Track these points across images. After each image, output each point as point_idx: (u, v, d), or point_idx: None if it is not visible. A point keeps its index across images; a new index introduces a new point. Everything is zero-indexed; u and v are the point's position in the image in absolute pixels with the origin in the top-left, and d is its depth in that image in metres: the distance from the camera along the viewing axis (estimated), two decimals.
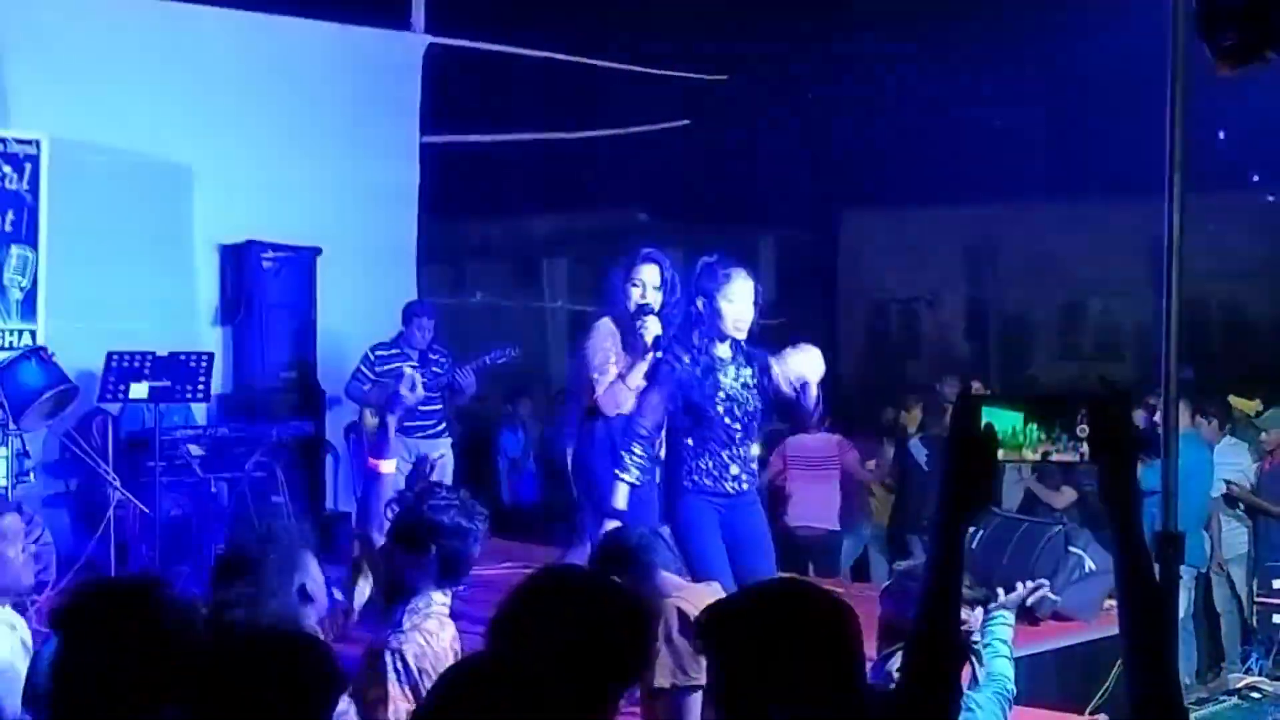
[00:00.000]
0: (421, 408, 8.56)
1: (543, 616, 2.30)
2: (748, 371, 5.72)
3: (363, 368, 8.81)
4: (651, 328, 6.07)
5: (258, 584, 3.61)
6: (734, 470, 5.67)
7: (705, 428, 5.63)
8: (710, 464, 5.64)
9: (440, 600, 4.04)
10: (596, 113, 13.63)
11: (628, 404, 6.02)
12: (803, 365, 5.68)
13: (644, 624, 2.38)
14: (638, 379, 6.01)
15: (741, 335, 5.68)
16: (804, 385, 5.66)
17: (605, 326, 6.29)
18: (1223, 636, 9.62)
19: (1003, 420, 2.25)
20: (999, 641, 4.36)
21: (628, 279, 6.23)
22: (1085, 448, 2.24)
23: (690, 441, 5.65)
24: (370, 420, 8.82)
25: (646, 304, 6.15)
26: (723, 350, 5.70)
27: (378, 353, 8.82)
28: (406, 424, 8.54)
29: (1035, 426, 2.25)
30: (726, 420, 5.65)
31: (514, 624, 2.30)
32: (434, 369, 8.71)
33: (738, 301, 5.64)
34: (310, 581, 3.71)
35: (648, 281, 6.20)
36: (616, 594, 2.39)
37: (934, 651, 2.26)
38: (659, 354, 5.91)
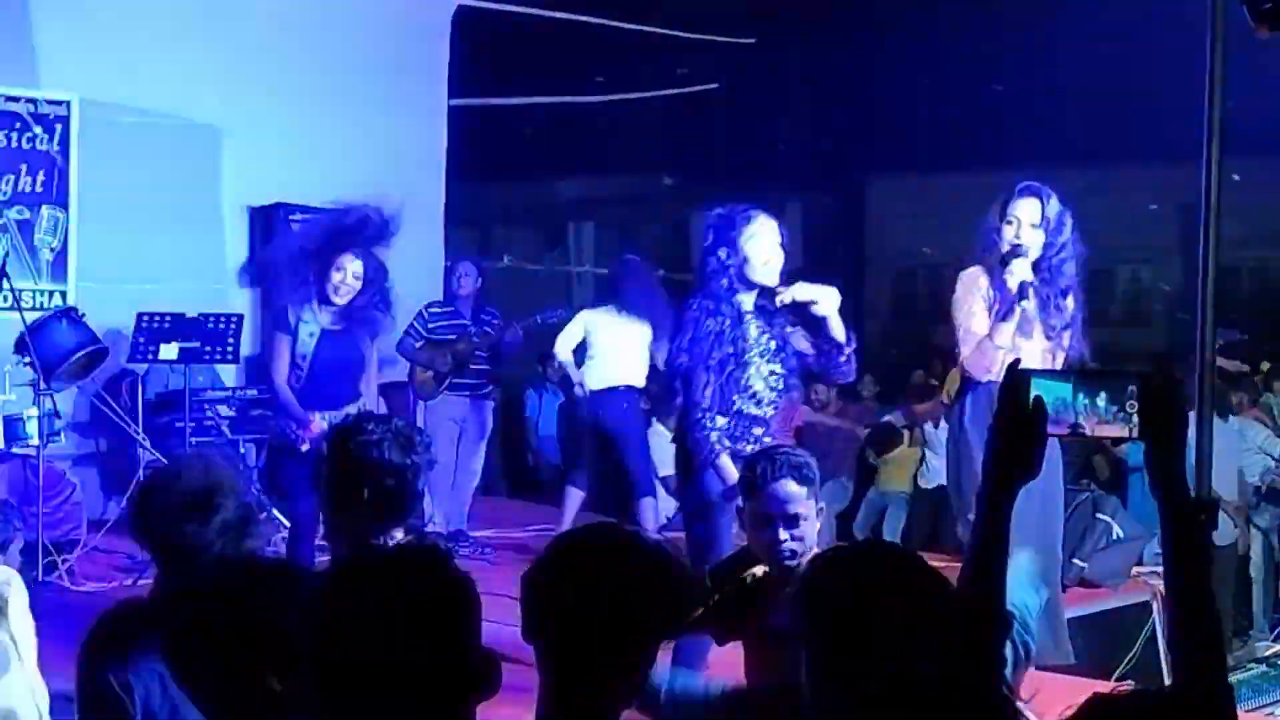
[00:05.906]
0: (473, 366, 8.61)
1: (582, 573, 2.28)
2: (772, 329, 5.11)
3: (416, 325, 8.76)
4: (1017, 272, 5.35)
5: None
6: (758, 431, 5.02)
7: (732, 386, 5.01)
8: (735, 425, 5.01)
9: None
10: (624, 76, 13.57)
11: (998, 365, 5.13)
12: (814, 294, 5.03)
13: (685, 579, 2.37)
14: (1005, 336, 5.33)
15: (772, 279, 5.07)
16: (823, 320, 5.04)
17: (971, 277, 5.51)
18: (1253, 605, 9.61)
19: (1051, 392, 2.24)
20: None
21: (1003, 217, 5.46)
22: (1135, 422, 2.24)
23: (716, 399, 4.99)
24: (422, 375, 8.80)
25: (1019, 244, 5.40)
26: (748, 300, 5.11)
27: (431, 310, 8.80)
28: (455, 382, 8.59)
29: (1084, 399, 2.25)
30: (754, 377, 5.04)
31: (552, 582, 2.28)
32: (486, 329, 8.72)
33: (764, 243, 5.08)
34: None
35: (1023, 219, 5.42)
36: (653, 550, 2.37)
37: (978, 625, 2.25)
38: (1026, 304, 5.32)
